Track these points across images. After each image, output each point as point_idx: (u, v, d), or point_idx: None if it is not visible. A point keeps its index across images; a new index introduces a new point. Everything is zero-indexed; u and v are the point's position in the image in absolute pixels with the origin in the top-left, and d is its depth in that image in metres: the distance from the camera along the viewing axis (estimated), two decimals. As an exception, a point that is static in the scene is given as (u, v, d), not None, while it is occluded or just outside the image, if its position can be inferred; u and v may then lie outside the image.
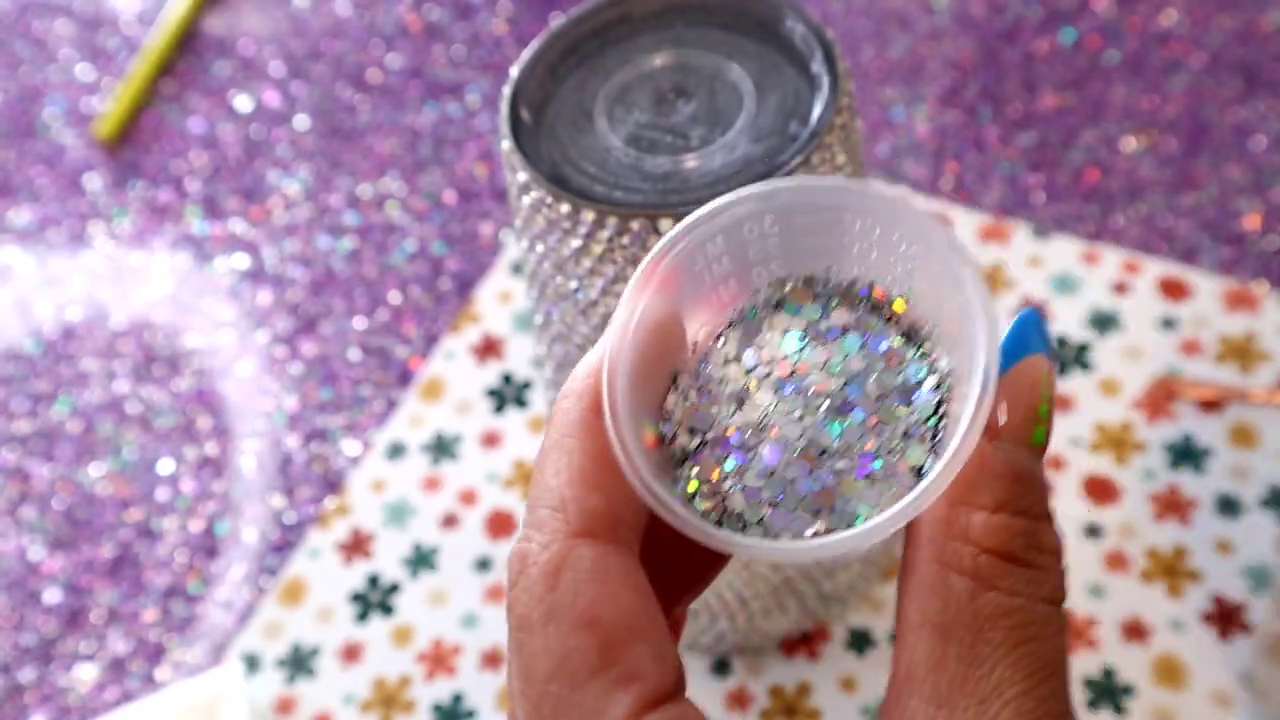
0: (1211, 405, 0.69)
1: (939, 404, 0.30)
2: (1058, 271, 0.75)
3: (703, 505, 0.29)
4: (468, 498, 0.71)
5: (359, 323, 0.79)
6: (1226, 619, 0.63)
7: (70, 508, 0.74)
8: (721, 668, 0.64)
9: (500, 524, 0.70)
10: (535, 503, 0.28)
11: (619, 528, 0.28)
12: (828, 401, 0.29)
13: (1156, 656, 0.62)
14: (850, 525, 0.28)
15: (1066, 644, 0.29)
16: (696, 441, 0.30)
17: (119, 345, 0.80)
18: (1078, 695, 0.61)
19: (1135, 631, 0.63)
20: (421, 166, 0.86)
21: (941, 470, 0.27)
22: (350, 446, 0.74)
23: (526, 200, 0.48)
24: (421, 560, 0.69)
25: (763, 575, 0.59)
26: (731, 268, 0.30)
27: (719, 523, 0.29)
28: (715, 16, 0.52)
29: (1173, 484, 0.67)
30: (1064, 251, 0.76)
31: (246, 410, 0.77)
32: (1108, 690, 0.61)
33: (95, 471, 0.75)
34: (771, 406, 0.29)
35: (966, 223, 0.78)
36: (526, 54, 0.51)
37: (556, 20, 0.52)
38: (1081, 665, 0.62)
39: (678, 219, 0.45)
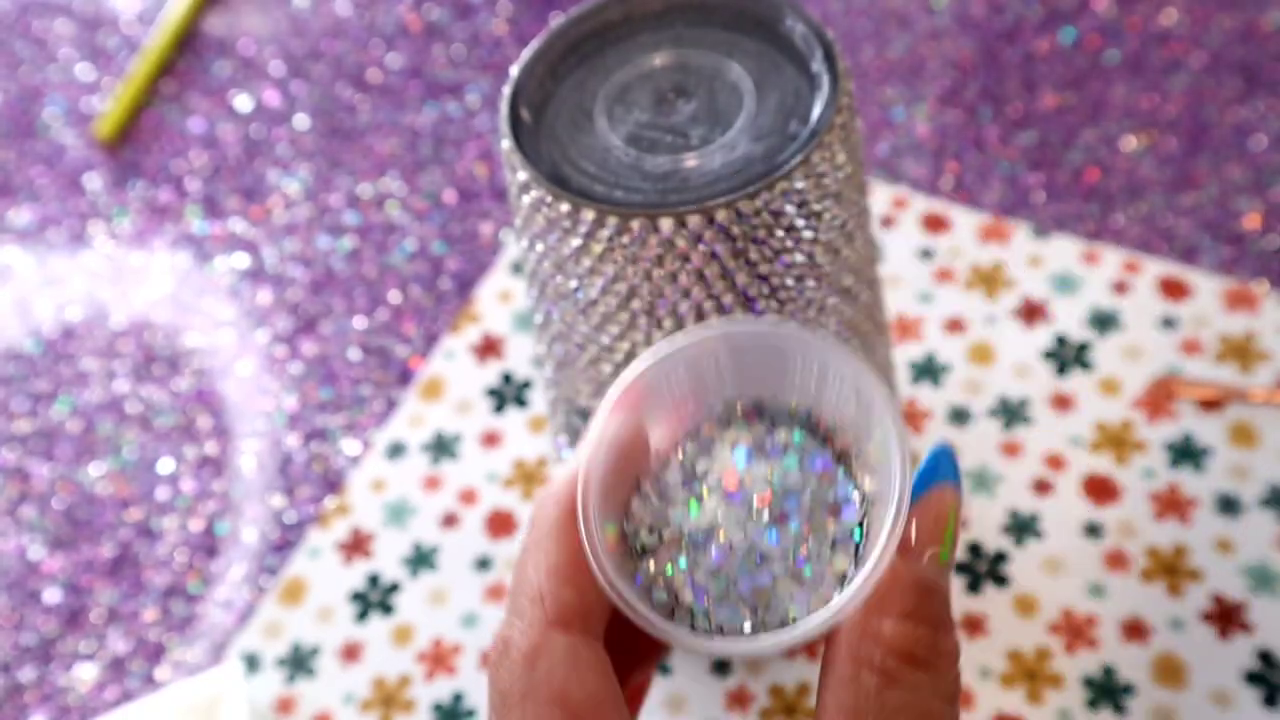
0: (1211, 405, 0.69)
1: (862, 520, 0.34)
2: (1058, 271, 0.75)
3: (659, 596, 0.34)
4: (468, 497, 0.71)
5: (359, 322, 0.79)
6: (1226, 618, 0.63)
7: (70, 507, 0.74)
8: (721, 667, 0.64)
9: (500, 523, 0.70)
10: (517, 592, 0.34)
11: (589, 618, 0.33)
12: (768, 511, 0.34)
13: (1156, 656, 0.62)
14: (783, 621, 0.33)
15: None
16: (655, 540, 0.34)
17: (119, 345, 0.80)
18: (1078, 694, 0.61)
19: (1135, 630, 0.63)
20: (421, 166, 0.86)
21: (862, 581, 0.32)
22: (350, 446, 0.74)
23: (526, 200, 0.48)
24: (421, 560, 0.69)
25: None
26: (690, 389, 0.35)
27: (671, 613, 0.34)
28: (715, 16, 0.52)
29: (1173, 483, 0.67)
30: (1064, 251, 0.76)
31: (246, 410, 0.77)
32: (1108, 689, 0.61)
33: (95, 471, 0.75)
34: (719, 513, 0.34)
35: (966, 222, 0.78)
36: (526, 54, 0.51)
37: (556, 20, 0.52)
38: (1081, 664, 0.62)
39: (678, 218, 0.45)
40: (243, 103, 0.91)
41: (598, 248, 0.47)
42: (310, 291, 0.81)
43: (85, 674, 0.68)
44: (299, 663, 0.67)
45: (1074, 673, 0.62)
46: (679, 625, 0.33)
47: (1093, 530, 0.66)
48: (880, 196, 0.80)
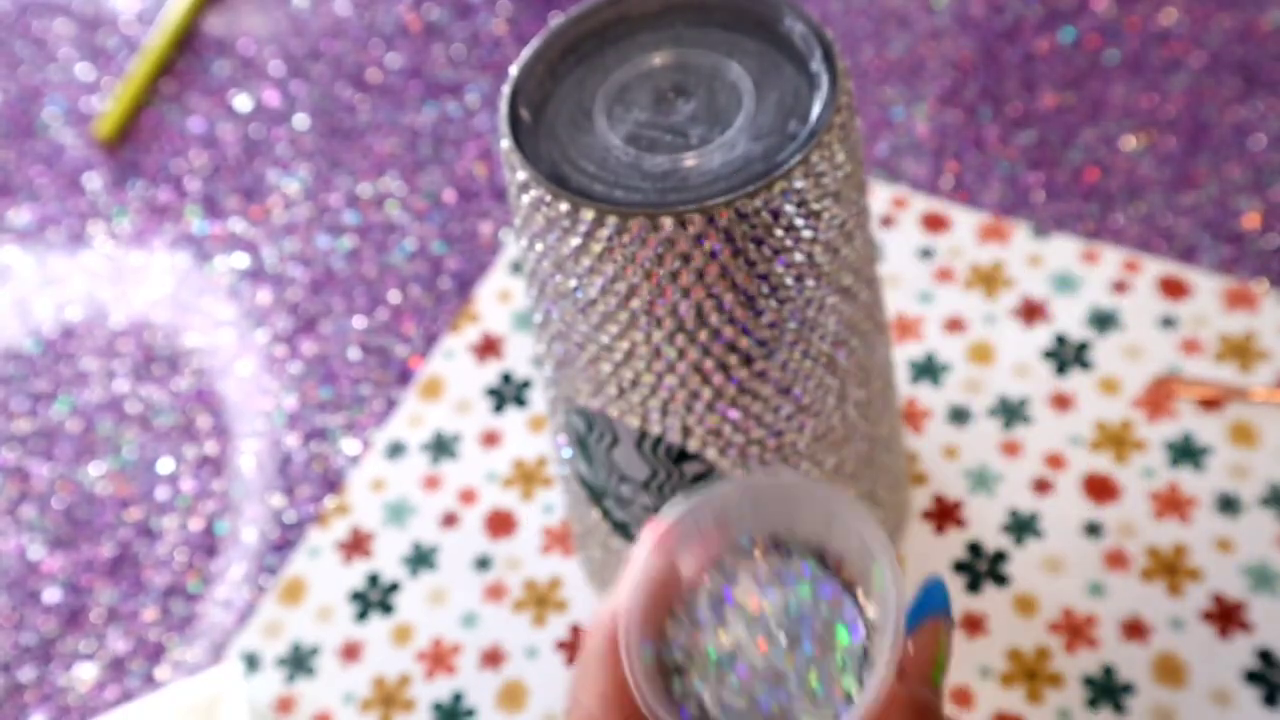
0: (1211, 404, 0.69)
1: (866, 644, 0.39)
2: (1057, 270, 0.75)
3: (692, 712, 0.39)
4: (467, 497, 0.71)
5: (359, 322, 0.79)
6: (1226, 617, 0.63)
7: (70, 507, 0.74)
8: None
9: (500, 523, 0.70)
10: (571, 714, 0.39)
11: None
12: (785, 635, 0.39)
13: (1156, 655, 0.62)
14: None
15: None
16: (687, 660, 0.40)
17: (119, 345, 0.80)
18: (1078, 694, 0.61)
19: (1135, 630, 0.63)
20: (421, 166, 0.86)
21: (865, 702, 0.36)
22: (350, 446, 0.74)
23: (526, 199, 0.48)
24: (421, 559, 0.69)
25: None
26: (715, 526, 0.40)
27: None
28: (714, 16, 0.52)
29: (1173, 482, 0.67)
30: (1064, 250, 0.76)
31: (246, 410, 0.77)
32: (1108, 689, 0.61)
33: (95, 471, 0.75)
34: (742, 637, 0.39)
35: (966, 222, 0.78)
36: (526, 53, 0.51)
37: (556, 20, 0.52)
38: (1081, 664, 0.62)
39: (677, 218, 0.45)
40: (242, 102, 0.91)
41: (597, 247, 0.47)
42: (310, 291, 0.81)
43: (85, 674, 0.68)
44: (299, 662, 0.67)
45: (1074, 672, 0.62)
46: None
47: (1093, 530, 0.66)
48: (880, 196, 0.80)
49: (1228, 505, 0.66)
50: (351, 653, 0.67)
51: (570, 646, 0.66)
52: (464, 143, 0.87)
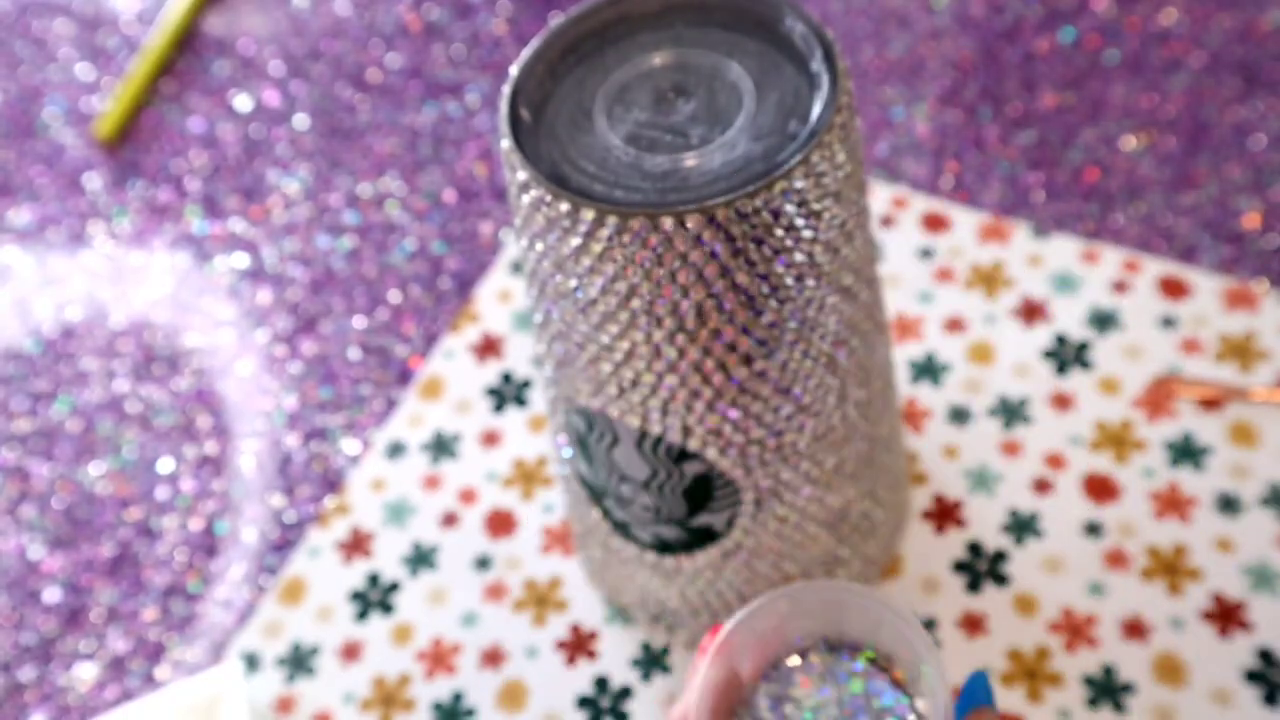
0: (1211, 404, 0.69)
1: None
2: (1057, 270, 0.75)
3: None
4: (467, 496, 0.71)
5: (359, 322, 0.79)
6: (1226, 617, 0.63)
7: (70, 507, 0.74)
8: None
9: (500, 523, 0.70)
10: None
11: None
12: None
13: (1156, 654, 0.62)
14: None
15: None
16: None
17: (119, 345, 0.80)
18: (1078, 693, 0.61)
19: (1135, 629, 0.63)
20: (421, 166, 0.86)
21: None
22: (350, 445, 0.74)
23: (526, 199, 0.48)
24: (421, 559, 0.69)
25: (763, 575, 0.59)
26: (771, 630, 0.43)
27: None
28: (715, 16, 0.52)
29: (1173, 482, 0.67)
30: (1064, 250, 0.76)
31: (246, 410, 0.77)
32: (1108, 688, 0.61)
33: (95, 471, 0.75)
34: None
35: (966, 222, 0.78)
36: (526, 53, 0.51)
37: (556, 20, 0.52)
38: (1081, 664, 0.62)
39: (678, 218, 0.46)
40: (242, 103, 0.91)
41: (597, 247, 0.47)
42: (310, 291, 0.81)
43: (85, 674, 0.68)
44: (299, 662, 0.67)
45: (1074, 672, 0.62)
46: None
47: (1093, 529, 0.66)
48: (880, 196, 0.80)
49: (1228, 505, 0.66)
50: (351, 653, 0.67)
51: (570, 646, 0.66)
52: (464, 143, 0.87)
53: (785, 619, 0.43)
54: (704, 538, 0.57)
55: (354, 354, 0.78)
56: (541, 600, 0.67)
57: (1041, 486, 0.68)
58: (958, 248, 0.77)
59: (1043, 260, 0.76)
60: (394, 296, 0.80)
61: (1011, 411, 0.70)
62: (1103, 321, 0.73)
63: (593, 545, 0.63)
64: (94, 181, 0.89)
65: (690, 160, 0.48)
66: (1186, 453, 0.68)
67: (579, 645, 0.66)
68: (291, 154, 0.88)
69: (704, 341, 0.49)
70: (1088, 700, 0.61)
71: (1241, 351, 0.71)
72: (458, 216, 0.83)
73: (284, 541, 0.71)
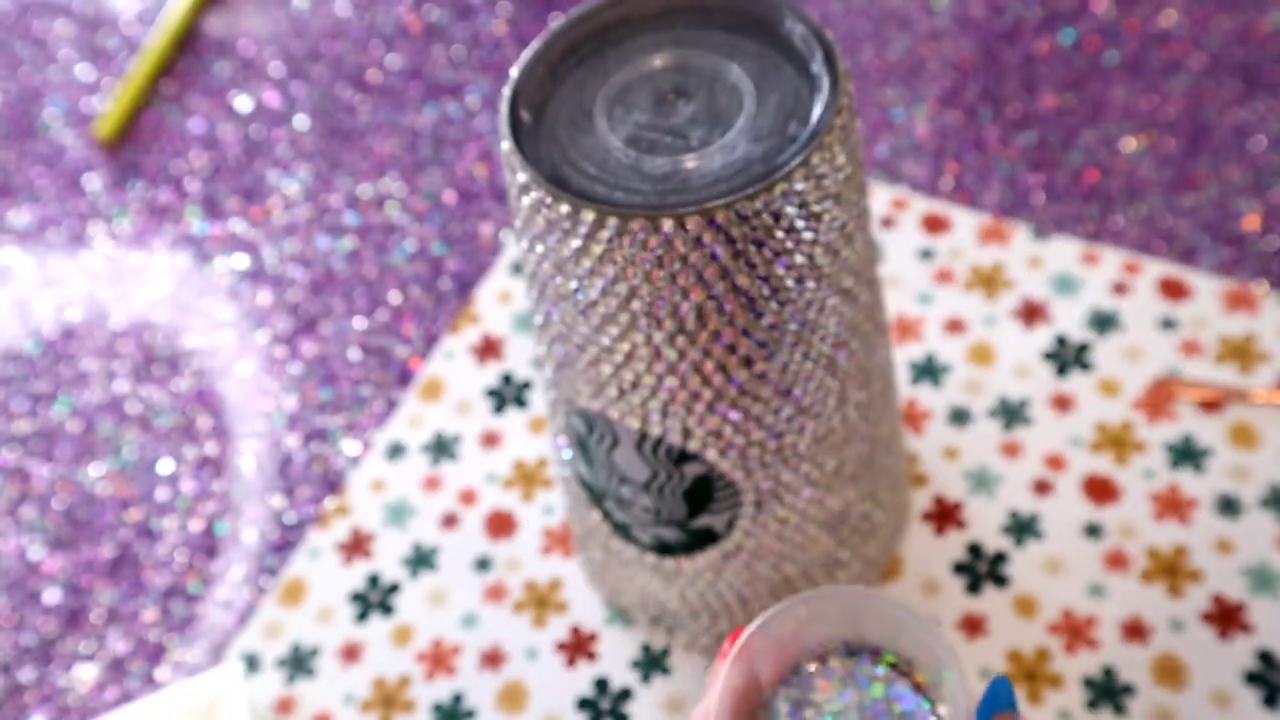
0: (1211, 405, 0.69)
1: None
2: (1058, 272, 0.75)
3: None
4: (467, 498, 0.71)
5: (359, 323, 0.79)
6: (1226, 619, 0.63)
7: (70, 508, 0.74)
8: None
9: (500, 524, 0.70)
10: None
11: None
12: None
13: (1156, 656, 0.62)
14: None
15: None
16: None
17: (119, 345, 0.80)
18: (1078, 695, 0.61)
19: (1135, 631, 0.63)
20: (421, 167, 0.86)
21: None
22: (350, 446, 0.74)
23: (526, 201, 0.48)
24: (421, 560, 0.69)
25: (763, 577, 0.59)
26: (791, 634, 0.43)
27: None
28: (715, 17, 0.52)
29: (1173, 484, 0.67)
30: (1064, 252, 0.76)
31: (246, 410, 0.77)
32: (1108, 690, 0.61)
33: (95, 471, 0.75)
34: None
35: (966, 223, 0.78)
36: (526, 54, 0.51)
37: (556, 21, 0.52)
38: (1081, 665, 0.62)
39: (678, 220, 0.46)
40: (243, 103, 0.91)
41: (598, 249, 0.47)
42: (310, 292, 0.81)
43: (85, 674, 0.68)
44: (299, 663, 0.67)
45: (1074, 673, 0.62)
46: None
47: (1093, 531, 0.66)
48: (880, 197, 0.80)
49: (1228, 507, 0.66)
50: (351, 654, 0.67)
51: (570, 648, 0.66)
52: (464, 144, 0.87)
53: (804, 624, 0.43)
54: (704, 539, 0.57)
55: (354, 355, 0.78)
56: (541, 602, 0.67)
57: (1042, 488, 0.68)
58: (958, 249, 0.77)
59: (1043, 262, 0.76)
60: (394, 297, 0.80)
61: (1011, 413, 0.70)
62: (1103, 323, 0.73)
63: (593, 547, 0.63)
64: (94, 182, 0.89)
65: (690, 162, 0.48)
66: (1186, 454, 0.68)
67: (579, 647, 0.66)
68: (291, 155, 0.88)
69: (704, 343, 0.49)
70: (1088, 702, 0.61)
71: (1241, 353, 0.71)
72: (458, 217, 0.83)
73: (284, 542, 0.71)
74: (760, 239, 0.47)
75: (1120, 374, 0.71)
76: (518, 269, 0.80)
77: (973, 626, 0.64)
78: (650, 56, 0.52)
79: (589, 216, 0.46)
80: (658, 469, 0.54)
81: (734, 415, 0.51)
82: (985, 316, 0.74)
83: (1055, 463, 0.68)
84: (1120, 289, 0.74)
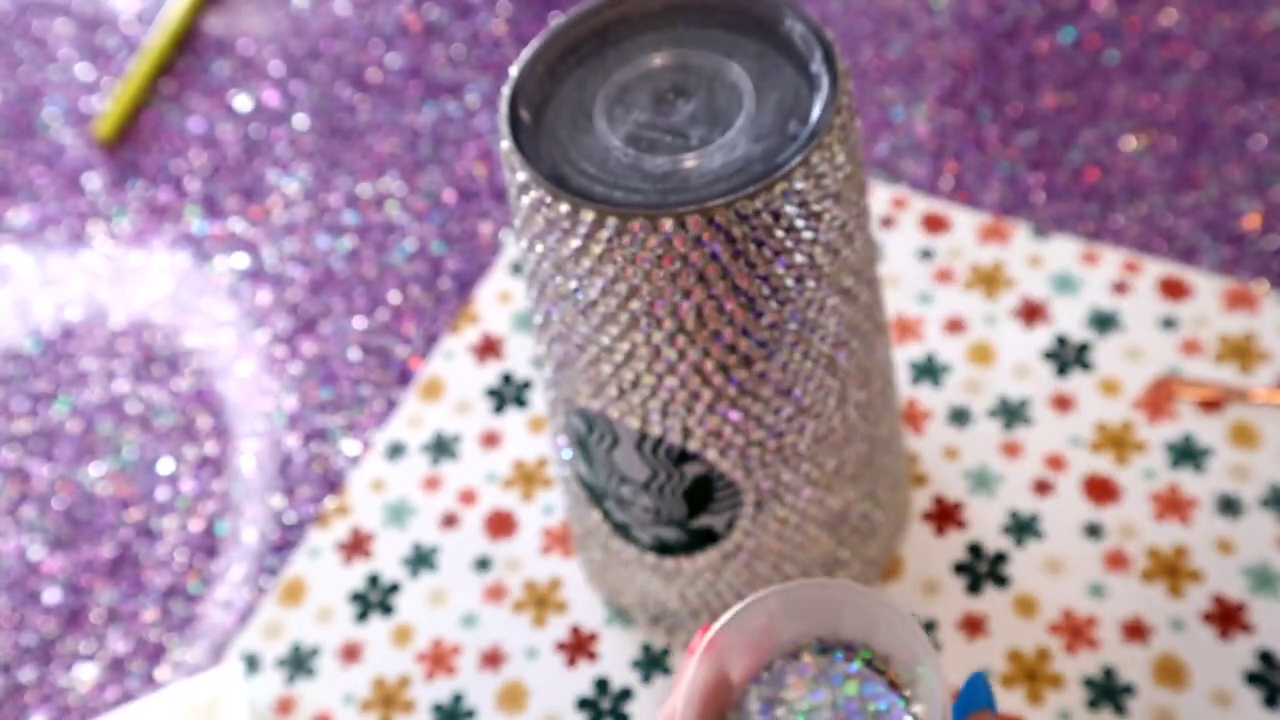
0: (1211, 405, 0.69)
1: None
2: (1058, 271, 0.75)
3: None
4: (467, 497, 0.71)
5: (359, 322, 0.79)
6: (1227, 619, 0.63)
7: (70, 508, 0.74)
8: None
9: (500, 524, 0.70)
10: None
11: None
12: None
13: (1157, 656, 0.62)
14: None
15: None
16: None
17: (118, 345, 0.80)
18: (1078, 695, 0.61)
19: (1136, 631, 0.63)
20: (421, 166, 0.86)
21: None
22: (350, 446, 0.74)
23: (526, 200, 0.48)
24: (421, 560, 0.69)
25: (763, 576, 0.59)
26: (762, 630, 0.42)
27: None
28: (715, 16, 0.52)
29: (1173, 483, 0.67)
30: (1064, 251, 0.76)
31: (246, 410, 0.77)
32: (1108, 690, 0.61)
33: (95, 471, 0.75)
34: None
35: (966, 222, 0.78)
36: (526, 54, 0.51)
37: (556, 20, 0.52)
38: (1082, 665, 0.62)
39: (678, 219, 0.45)
40: (242, 103, 0.91)
41: (597, 248, 0.47)
42: (310, 291, 0.81)
43: (85, 674, 0.68)
44: (299, 663, 0.67)
45: (1074, 673, 0.62)
46: None
47: (1093, 530, 0.66)
48: (880, 197, 0.80)
49: (1228, 506, 0.66)
50: (351, 654, 0.67)
51: (570, 647, 0.66)
52: (464, 143, 0.87)
53: (776, 618, 0.42)
54: (704, 539, 0.57)
55: (354, 354, 0.78)
56: (541, 601, 0.67)
57: (1042, 488, 0.68)
58: (958, 248, 0.77)
59: (1043, 261, 0.76)
60: (394, 297, 0.80)
61: (1012, 412, 0.70)
62: (1103, 322, 0.73)
63: (593, 546, 0.63)
64: (94, 181, 0.89)
65: (690, 161, 0.48)
66: (1187, 454, 0.68)
67: (579, 646, 0.66)
68: (291, 154, 0.88)
69: (704, 343, 0.49)
70: (1088, 702, 0.61)
71: (1242, 352, 0.71)
72: (457, 217, 0.83)
73: (284, 542, 0.71)
74: (760, 238, 0.47)
75: (1120, 373, 0.71)
76: (517, 268, 0.80)
77: (973, 626, 0.64)
78: (650, 55, 0.51)
79: (588, 216, 0.46)
80: (658, 469, 0.54)
81: (734, 415, 0.51)
82: (985, 316, 0.74)
83: (1055, 462, 0.68)
84: (1120, 288, 0.74)
